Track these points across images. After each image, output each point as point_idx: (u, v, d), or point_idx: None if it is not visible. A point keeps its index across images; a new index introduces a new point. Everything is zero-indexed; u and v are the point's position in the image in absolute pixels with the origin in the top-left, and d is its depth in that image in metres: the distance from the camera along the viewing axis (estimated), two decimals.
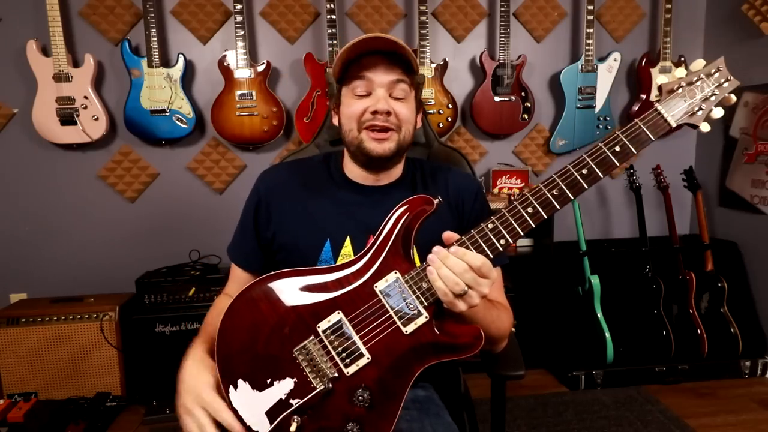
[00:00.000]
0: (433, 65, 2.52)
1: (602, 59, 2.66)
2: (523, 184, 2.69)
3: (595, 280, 2.42)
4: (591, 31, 2.57)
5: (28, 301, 2.47)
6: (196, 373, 0.96)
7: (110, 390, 2.28)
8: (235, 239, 1.16)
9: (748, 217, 2.60)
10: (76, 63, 2.36)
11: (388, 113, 1.01)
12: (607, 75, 2.66)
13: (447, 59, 2.56)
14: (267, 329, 0.89)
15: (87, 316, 2.26)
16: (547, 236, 2.60)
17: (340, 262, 1.04)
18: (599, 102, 2.67)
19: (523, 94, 2.61)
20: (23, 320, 2.24)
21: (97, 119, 2.37)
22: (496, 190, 2.68)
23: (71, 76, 2.31)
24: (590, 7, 2.55)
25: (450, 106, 2.56)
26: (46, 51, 2.32)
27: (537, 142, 2.79)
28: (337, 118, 1.10)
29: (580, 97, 2.65)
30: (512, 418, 2.15)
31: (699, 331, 2.45)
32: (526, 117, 2.63)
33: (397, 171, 1.13)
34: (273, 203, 1.11)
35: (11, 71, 2.38)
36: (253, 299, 0.91)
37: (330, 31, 2.40)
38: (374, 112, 1.01)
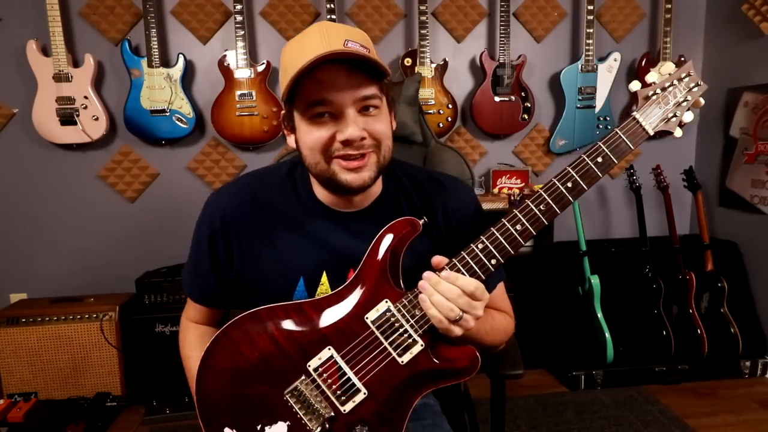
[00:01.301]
0: (433, 65, 2.52)
1: (602, 59, 2.66)
2: (523, 184, 2.69)
3: (595, 280, 2.42)
4: (591, 31, 2.57)
5: (28, 301, 2.47)
6: None
7: (110, 390, 2.28)
8: (188, 271, 1.02)
9: (748, 217, 2.60)
10: (76, 63, 2.36)
11: (363, 138, 0.83)
12: (607, 75, 2.66)
13: (447, 59, 2.56)
14: (252, 373, 0.84)
15: (87, 316, 2.26)
16: (547, 236, 2.59)
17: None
18: (599, 102, 2.67)
19: (523, 94, 2.61)
20: (23, 320, 2.24)
21: (97, 119, 2.37)
22: (496, 190, 2.68)
23: (71, 76, 2.31)
24: (590, 7, 2.55)
25: (450, 106, 2.56)
26: (46, 51, 2.32)
27: (537, 142, 2.79)
28: (293, 139, 0.91)
29: (580, 97, 2.65)
30: (512, 418, 2.14)
31: (699, 331, 2.45)
32: (526, 117, 2.63)
33: (376, 189, 0.96)
34: (232, 236, 0.94)
35: (11, 71, 2.37)
36: (233, 342, 0.85)
37: None
38: (345, 142, 0.83)
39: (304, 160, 0.88)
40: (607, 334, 2.40)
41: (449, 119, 2.58)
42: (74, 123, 2.33)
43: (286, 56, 0.85)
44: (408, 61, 2.52)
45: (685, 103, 0.86)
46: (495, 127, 2.65)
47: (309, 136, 0.85)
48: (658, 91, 0.87)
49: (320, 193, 0.95)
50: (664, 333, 2.43)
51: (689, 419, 2.13)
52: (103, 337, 2.25)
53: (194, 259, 1.00)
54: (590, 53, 2.60)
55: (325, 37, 0.81)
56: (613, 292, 2.49)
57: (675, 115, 0.86)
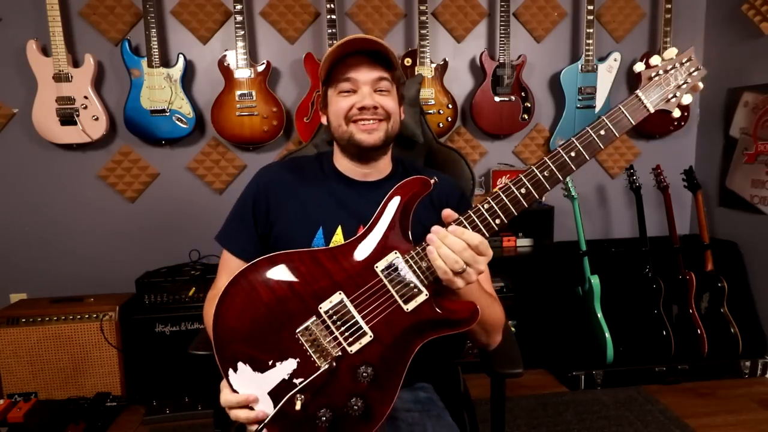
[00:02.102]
0: (433, 65, 2.52)
1: (602, 59, 2.66)
2: None
3: (595, 280, 2.42)
4: (591, 31, 2.57)
5: (28, 301, 2.47)
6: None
7: (110, 390, 2.28)
8: (229, 228, 1.17)
9: (748, 217, 2.60)
10: (76, 63, 2.36)
11: (375, 107, 1.07)
12: (607, 75, 2.66)
13: (447, 59, 2.56)
14: (266, 312, 0.90)
15: (87, 316, 2.26)
16: (547, 236, 2.60)
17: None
18: (599, 102, 2.67)
19: (523, 94, 2.61)
20: (23, 320, 2.24)
21: (97, 119, 2.37)
22: (496, 190, 2.68)
23: (71, 76, 2.31)
24: (590, 7, 2.55)
25: (450, 106, 2.56)
26: (46, 51, 2.32)
27: (537, 142, 2.79)
28: (325, 117, 1.16)
29: (580, 97, 2.65)
30: (512, 418, 2.15)
31: (699, 331, 2.45)
32: (526, 117, 2.63)
33: (385, 167, 1.18)
34: (271, 196, 1.14)
35: (11, 71, 2.37)
36: (250, 282, 0.91)
37: (330, 31, 2.40)
38: (361, 108, 1.07)
39: (331, 125, 1.13)
40: (607, 334, 2.40)
41: (449, 119, 2.58)
42: (74, 123, 2.33)
43: (328, 51, 1.08)
44: (408, 61, 2.52)
45: (684, 86, 0.92)
46: (495, 127, 2.65)
47: (336, 105, 1.09)
48: (661, 72, 0.92)
49: (340, 164, 1.17)
50: (664, 333, 2.43)
51: (689, 419, 2.13)
52: (103, 337, 2.25)
53: (238, 216, 1.16)
54: (590, 53, 2.60)
55: (354, 37, 1.06)
56: (613, 292, 2.49)
57: (675, 96, 0.92)
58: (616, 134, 0.90)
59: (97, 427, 2.10)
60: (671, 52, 0.93)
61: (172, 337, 2.23)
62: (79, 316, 2.26)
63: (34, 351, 2.24)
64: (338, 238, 1.07)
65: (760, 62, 2.49)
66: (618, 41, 2.75)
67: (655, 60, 0.93)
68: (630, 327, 2.50)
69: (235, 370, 0.90)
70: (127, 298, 2.38)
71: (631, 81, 2.76)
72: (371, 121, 1.08)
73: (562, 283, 2.58)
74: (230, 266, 1.13)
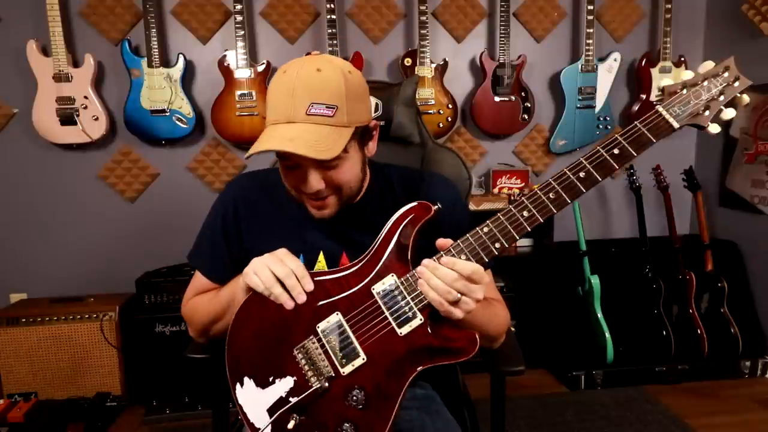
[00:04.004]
0: (433, 65, 2.52)
1: (602, 59, 2.66)
2: (523, 184, 2.69)
3: (595, 280, 2.42)
4: (591, 31, 2.57)
5: (28, 301, 2.47)
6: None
7: (110, 390, 2.28)
8: (203, 249, 1.13)
9: (748, 217, 2.60)
10: (76, 63, 2.36)
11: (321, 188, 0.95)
12: (607, 75, 2.65)
13: (447, 59, 2.56)
14: (272, 329, 0.92)
15: (87, 316, 2.26)
16: (547, 236, 2.60)
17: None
18: (599, 102, 2.67)
19: (523, 94, 2.61)
20: (23, 320, 2.23)
21: (97, 119, 2.37)
22: (496, 190, 2.68)
23: (71, 76, 2.31)
24: (590, 7, 2.55)
25: (450, 106, 2.56)
26: (46, 51, 2.32)
27: (537, 142, 2.79)
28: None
29: (580, 97, 2.65)
30: (512, 418, 2.14)
31: (699, 331, 2.45)
32: (526, 117, 2.63)
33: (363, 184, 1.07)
34: (242, 219, 1.10)
35: (11, 71, 2.37)
36: (264, 299, 0.92)
37: (330, 31, 2.40)
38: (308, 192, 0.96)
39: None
40: (607, 334, 2.40)
41: (449, 119, 2.58)
42: (74, 123, 2.33)
43: (268, 97, 0.93)
44: (408, 61, 2.52)
45: (721, 98, 0.84)
46: (495, 127, 2.65)
47: (283, 177, 0.99)
48: (688, 86, 0.84)
49: None
50: (664, 333, 2.43)
51: (689, 419, 2.13)
52: (103, 337, 2.25)
53: (209, 237, 1.12)
54: (590, 53, 2.60)
55: (290, 102, 0.88)
56: (613, 292, 2.49)
57: (707, 109, 0.83)
58: (634, 153, 0.82)
59: (97, 427, 2.10)
60: (707, 65, 0.85)
61: (172, 337, 2.23)
62: (79, 316, 2.26)
63: (34, 351, 2.24)
64: (321, 265, 1.05)
65: (760, 62, 2.49)
66: (618, 41, 2.75)
67: (686, 74, 0.85)
68: (630, 327, 2.49)
69: (242, 384, 0.93)
70: (127, 298, 2.38)
71: (631, 81, 2.76)
72: (320, 200, 0.97)
73: (562, 283, 2.58)
74: (203, 286, 1.11)
